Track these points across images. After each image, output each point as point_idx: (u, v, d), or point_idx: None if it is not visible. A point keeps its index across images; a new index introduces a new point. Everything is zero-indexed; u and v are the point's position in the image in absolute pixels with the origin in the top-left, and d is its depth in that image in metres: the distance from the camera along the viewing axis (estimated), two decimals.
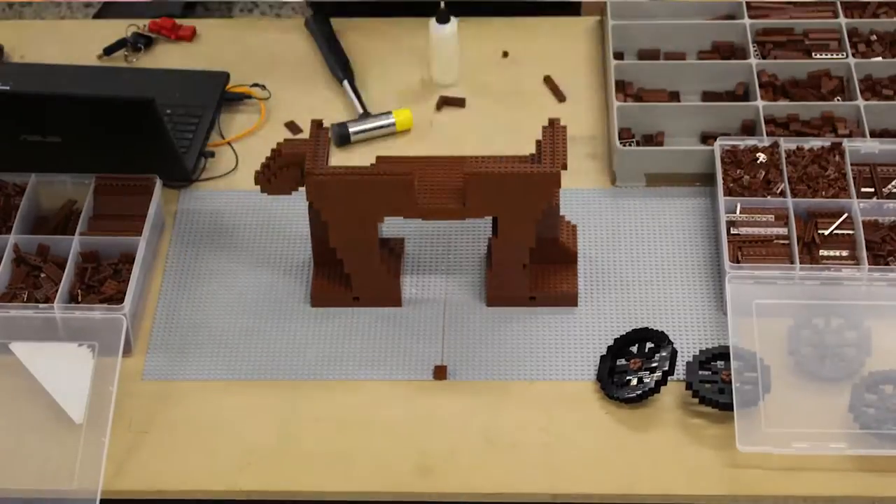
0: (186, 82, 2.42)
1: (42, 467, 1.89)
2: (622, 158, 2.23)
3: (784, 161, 2.16)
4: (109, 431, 1.88)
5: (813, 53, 2.37)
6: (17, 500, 1.88)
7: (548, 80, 2.42)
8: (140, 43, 2.52)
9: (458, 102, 2.40)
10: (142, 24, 2.55)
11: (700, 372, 1.94)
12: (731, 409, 1.88)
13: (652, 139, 2.28)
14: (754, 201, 2.12)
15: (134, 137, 2.12)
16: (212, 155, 2.31)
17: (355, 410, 1.97)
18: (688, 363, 1.96)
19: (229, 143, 2.34)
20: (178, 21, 2.56)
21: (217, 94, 2.39)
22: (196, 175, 2.28)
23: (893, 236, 2.08)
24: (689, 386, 1.93)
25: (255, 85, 2.42)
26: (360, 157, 2.30)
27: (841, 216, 2.10)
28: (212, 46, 2.54)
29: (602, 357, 2.00)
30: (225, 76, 2.42)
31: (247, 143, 2.34)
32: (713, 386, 1.92)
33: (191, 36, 2.54)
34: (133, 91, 2.36)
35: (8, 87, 2.38)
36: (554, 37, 2.51)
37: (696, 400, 1.92)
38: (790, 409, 1.90)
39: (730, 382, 1.91)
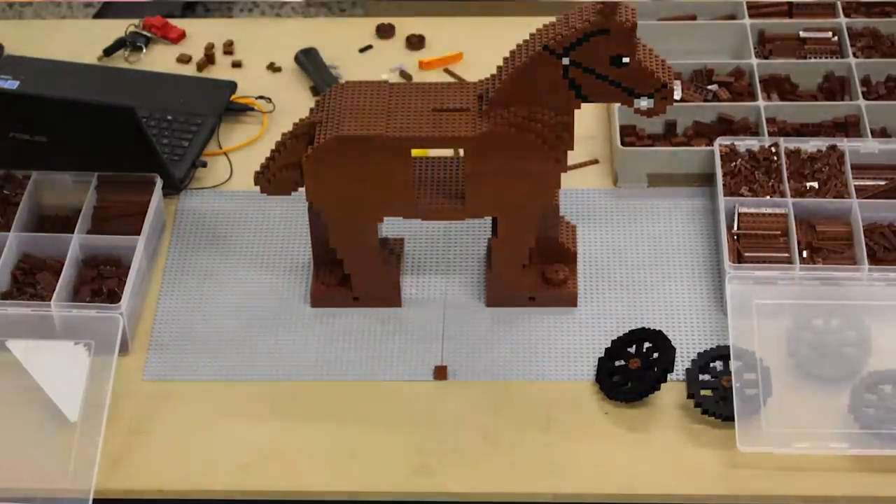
0: (192, 89, 2.41)
1: (36, 465, 1.88)
2: (623, 159, 2.22)
3: (784, 161, 2.16)
4: (104, 430, 1.88)
5: (813, 54, 2.37)
6: (11, 499, 1.88)
7: None
8: (140, 42, 2.51)
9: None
10: (137, 23, 2.55)
11: (700, 376, 1.94)
12: (733, 420, 1.87)
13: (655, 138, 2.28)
14: (754, 201, 2.12)
15: (118, 143, 2.12)
16: (204, 164, 2.29)
17: (356, 410, 1.96)
18: (688, 370, 1.95)
19: (226, 154, 2.33)
20: (173, 22, 2.56)
21: (221, 104, 2.38)
22: (185, 184, 2.26)
23: (893, 236, 2.08)
24: (690, 395, 1.92)
25: (261, 97, 2.41)
26: None
27: (841, 216, 2.10)
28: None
29: (601, 357, 2.00)
30: (232, 85, 2.41)
31: (244, 154, 2.33)
32: (716, 394, 1.91)
33: (178, 38, 2.53)
34: (137, 95, 2.35)
35: (17, 83, 2.38)
36: None
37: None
38: (790, 409, 1.90)
39: (731, 388, 1.90)
